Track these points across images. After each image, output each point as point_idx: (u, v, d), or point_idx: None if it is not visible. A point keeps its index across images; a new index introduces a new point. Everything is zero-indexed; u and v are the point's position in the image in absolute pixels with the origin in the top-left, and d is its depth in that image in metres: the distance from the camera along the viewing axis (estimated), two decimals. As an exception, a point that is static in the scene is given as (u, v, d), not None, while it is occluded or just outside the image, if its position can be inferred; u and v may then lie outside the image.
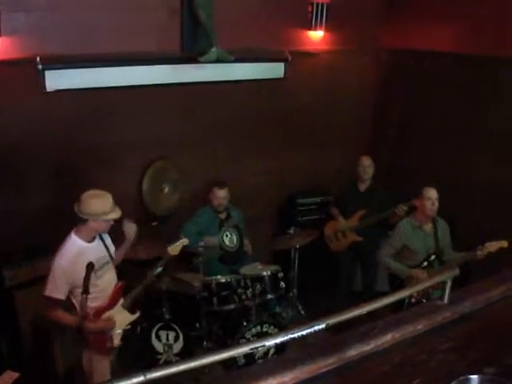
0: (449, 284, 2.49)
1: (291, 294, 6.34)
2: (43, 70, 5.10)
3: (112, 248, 4.43)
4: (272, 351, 5.24)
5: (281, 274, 5.66)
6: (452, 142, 6.55)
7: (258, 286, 5.44)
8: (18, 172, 5.34)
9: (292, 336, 2.05)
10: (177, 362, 2.02)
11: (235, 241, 5.91)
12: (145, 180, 6.02)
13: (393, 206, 5.87)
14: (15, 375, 4.34)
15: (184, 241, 4.68)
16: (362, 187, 6.31)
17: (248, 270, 5.63)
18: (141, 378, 1.75)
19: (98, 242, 4.26)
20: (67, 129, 5.51)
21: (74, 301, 4.14)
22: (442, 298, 2.52)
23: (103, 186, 5.75)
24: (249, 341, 5.06)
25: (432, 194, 5.23)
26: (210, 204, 5.83)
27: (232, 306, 5.38)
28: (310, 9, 6.68)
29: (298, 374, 2.04)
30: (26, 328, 5.27)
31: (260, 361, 5.10)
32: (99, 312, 4.20)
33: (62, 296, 4.03)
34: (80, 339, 4.21)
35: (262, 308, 5.57)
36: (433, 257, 5.30)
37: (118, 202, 5.57)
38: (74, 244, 4.10)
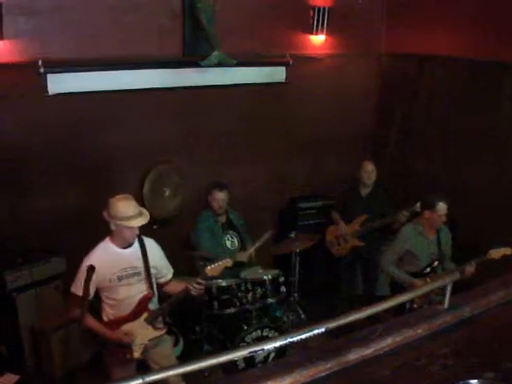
0: (449, 289, 2.49)
1: (292, 299, 6.32)
2: (45, 73, 5.12)
3: (154, 261, 4.23)
4: (272, 355, 5.23)
5: (281, 278, 5.64)
6: (453, 146, 6.54)
7: (259, 290, 5.43)
8: (19, 175, 5.35)
9: (291, 340, 2.05)
10: (176, 366, 2.02)
11: (236, 244, 5.90)
12: (146, 183, 6.02)
13: (394, 211, 5.87)
14: (15, 378, 4.34)
15: (227, 261, 4.47)
16: (364, 192, 6.30)
17: (249, 273, 5.61)
18: (139, 381, 1.75)
19: (133, 249, 4.12)
20: (69, 132, 5.52)
21: (103, 304, 4.12)
22: (442, 302, 2.51)
23: (104, 188, 5.79)
24: (249, 345, 5.05)
25: (445, 210, 5.18)
26: (210, 207, 5.81)
27: (232, 310, 5.35)
28: (311, 13, 6.69)
29: (298, 378, 2.04)
30: (26, 331, 5.28)
31: (260, 365, 5.10)
32: (118, 321, 4.11)
33: (81, 293, 3.91)
34: (97, 343, 4.20)
35: (262, 312, 5.55)
36: (436, 263, 5.28)
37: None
38: (105, 247, 4.06)
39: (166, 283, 4.39)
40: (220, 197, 5.69)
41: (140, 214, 4.01)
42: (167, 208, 6.25)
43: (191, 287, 4.25)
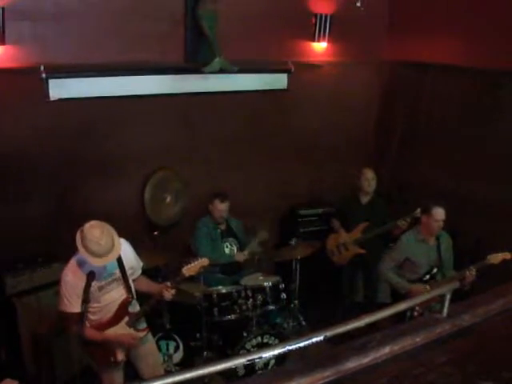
0: (448, 297, 2.49)
1: (292, 305, 6.31)
2: (47, 78, 5.14)
3: (129, 263, 4.18)
4: (272, 362, 5.23)
5: (282, 285, 5.65)
6: (455, 154, 6.54)
7: (259, 296, 5.43)
8: (20, 180, 5.35)
9: (289, 348, 2.04)
10: (175, 372, 2.02)
11: (236, 251, 5.91)
12: (147, 190, 6.03)
13: (394, 218, 5.86)
14: (14, 383, 4.33)
15: (203, 261, 4.40)
16: (364, 200, 6.30)
17: (249, 280, 5.62)
18: (137, 388, 1.76)
19: None
20: (70, 137, 5.53)
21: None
22: (440, 310, 2.51)
23: (105, 194, 5.79)
24: (249, 351, 5.03)
25: (441, 216, 5.16)
26: (211, 215, 5.83)
27: (233, 317, 5.36)
28: (313, 20, 6.71)
29: (296, 386, 2.03)
30: (26, 335, 5.27)
31: (260, 372, 5.09)
32: (100, 326, 4.10)
33: (76, 309, 3.88)
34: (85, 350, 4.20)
35: (262, 319, 5.56)
36: (435, 270, 5.27)
37: (119, 211, 5.58)
38: (80, 258, 3.97)
39: (135, 280, 4.34)
40: (221, 207, 5.76)
41: (111, 249, 3.82)
42: (168, 214, 6.25)
43: (165, 291, 4.22)
